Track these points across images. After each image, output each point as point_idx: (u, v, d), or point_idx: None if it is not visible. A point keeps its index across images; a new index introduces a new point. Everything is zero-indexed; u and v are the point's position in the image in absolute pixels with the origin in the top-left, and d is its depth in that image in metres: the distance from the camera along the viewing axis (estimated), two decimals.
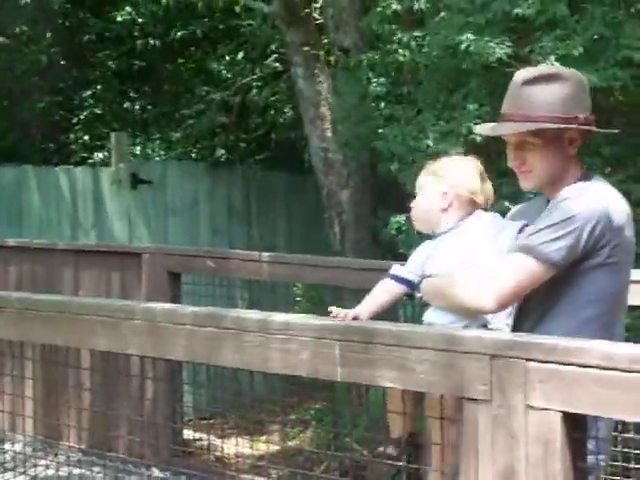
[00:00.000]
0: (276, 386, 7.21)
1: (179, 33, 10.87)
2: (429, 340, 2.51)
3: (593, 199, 2.88)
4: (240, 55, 10.93)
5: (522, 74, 3.04)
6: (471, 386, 2.41)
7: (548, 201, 3.01)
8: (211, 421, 7.12)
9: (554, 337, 2.38)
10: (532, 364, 2.31)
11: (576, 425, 2.32)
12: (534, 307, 2.93)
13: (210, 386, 5.87)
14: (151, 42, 11.06)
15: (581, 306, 2.91)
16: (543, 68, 3.18)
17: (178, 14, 11.13)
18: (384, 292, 3.16)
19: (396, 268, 3.20)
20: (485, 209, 3.27)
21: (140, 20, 11.06)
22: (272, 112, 10.32)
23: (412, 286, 3.16)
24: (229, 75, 10.84)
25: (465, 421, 2.45)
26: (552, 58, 5.87)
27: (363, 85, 7.25)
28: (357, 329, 2.69)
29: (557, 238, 2.80)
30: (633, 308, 5.46)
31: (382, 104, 7.12)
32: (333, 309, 2.93)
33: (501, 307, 2.83)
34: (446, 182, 3.23)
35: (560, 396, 2.27)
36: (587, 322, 2.89)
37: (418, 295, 3.15)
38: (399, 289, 3.18)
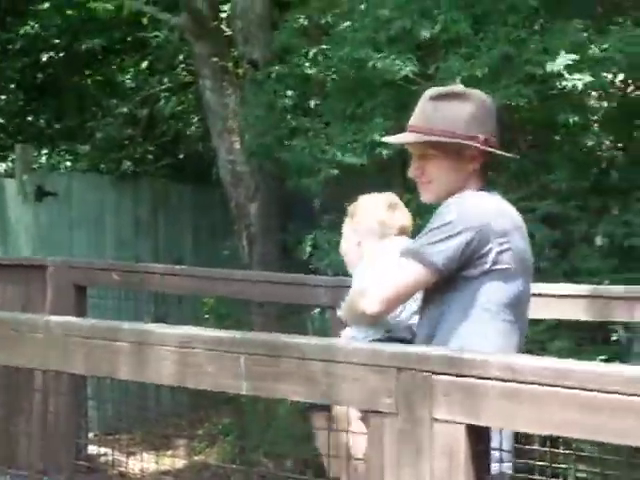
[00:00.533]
0: (183, 400, 7.15)
1: (83, 46, 10.77)
2: (335, 353, 2.51)
3: (473, 206, 2.98)
4: (146, 66, 10.86)
5: (432, 90, 3.18)
6: (377, 399, 2.41)
7: None
8: (116, 436, 7.03)
9: (458, 350, 2.39)
10: (437, 377, 2.32)
11: (480, 438, 2.33)
12: (432, 312, 3.02)
13: (115, 401, 5.80)
14: (55, 55, 10.95)
15: (475, 313, 2.95)
16: (453, 87, 3.31)
17: (82, 26, 11.02)
18: None
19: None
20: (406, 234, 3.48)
21: (44, 33, 10.92)
22: (180, 124, 10.28)
23: None
24: (135, 86, 10.76)
25: (370, 435, 2.46)
26: (457, 79, 5.94)
27: (270, 97, 7.27)
28: (262, 342, 2.67)
29: (437, 242, 2.89)
30: (535, 321, 5.58)
31: (289, 116, 7.15)
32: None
33: (385, 309, 2.98)
34: (355, 225, 3.53)
35: (464, 409, 2.28)
36: (483, 330, 2.93)
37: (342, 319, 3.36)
38: None
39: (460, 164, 3.08)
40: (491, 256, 2.91)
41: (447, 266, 2.89)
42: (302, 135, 7.02)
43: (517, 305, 3.04)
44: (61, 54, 11.07)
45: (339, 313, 3.28)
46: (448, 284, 2.93)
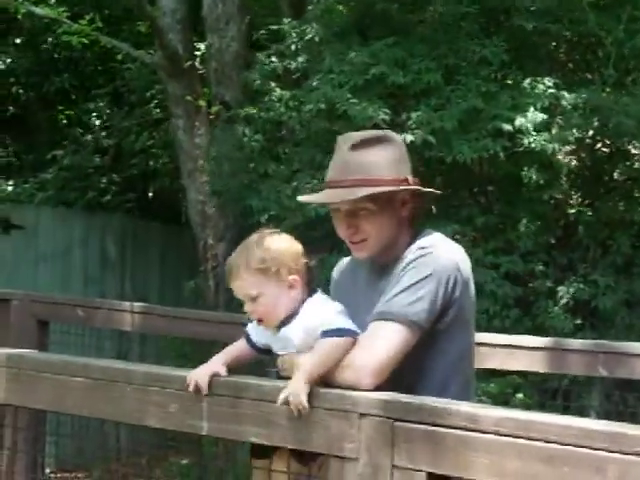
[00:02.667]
0: (143, 439, 7.10)
1: (52, 87, 10.82)
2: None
3: (443, 255, 2.81)
4: (115, 98, 10.89)
5: (347, 139, 2.92)
6: (339, 444, 2.42)
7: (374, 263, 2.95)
8: (73, 474, 6.96)
9: (421, 397, 2.40)
10: (399, 424, 2.33)
11: None
12: (403, 368, 2.75)
13: (74, 437, 5.75)
14: (25, 93, 10.98)
15: (444, 364, 2.89)
16: (367, 132, 3.01)
17: (53, 63, 11.06)
18: (238, 350, 2.91)
19: (251, 328, 2.92)
20: None
21: (15, 69, 10.95)
22: (150, 161, 10.28)
23: (263, 352, 2.93)
24: (104, 117, 10.76)
25: (331, 479, 2.45)
26: (427, 129, 6.00)
27: (239, 139, 7.29)
28: (225, 383, 2.67)
29: (417, 300, 2.72)
30: (501, 373, 5.60)
31: (257, 160, 7.16)
32: (190, 379, 2.69)
33: (380, 382, 2.62)
34: (281, 270, 2.84)
35: (425, 456, 2.29)
36: (449, 382, 2.87)
37: (273, 369, 2.89)
38: (250, 351, 2.93)
39: (393, 212, 2.88)
40: (457, 305, 2.83)
41: (428, 324, 2.74)
42: (269, 180, 7.03)
43: (470, 352, 2.99)
44: (31, 93, 11.08)
45: (283, 373, 2.80)
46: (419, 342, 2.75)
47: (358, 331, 2.71)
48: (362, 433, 2.38)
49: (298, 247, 2.84)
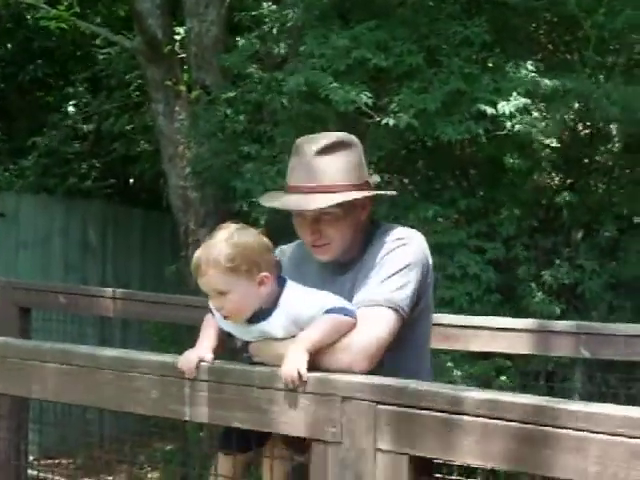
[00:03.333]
0: (126, 425, 7.09)
1: (27, 77, 10.78)
2: (279, 381, 2.50)
3: (418, 245, 2.89)
4: (94, 83, 10.85)
5: (311, 144, 2.92)
6: (321, 428, 2.41)
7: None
8: (57, 460, 6.95)
9: (404, 380, 2.40)
10: (381, 407, 2.32)
11: (423, 468, 2.34)
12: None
13: (57, 424, 5.74)
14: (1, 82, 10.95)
15: (418, 349, 2.97)
16: (329, 136, 2.98)
17: (26, 53, 11.01)
18: (215, 332, 2.88)
19: (218, 317, 2.88)
20: None
21: None
22: (130, 146, 10.22)
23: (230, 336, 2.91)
24: (84, 102, 10.70)
25: (314, 463, 2.45)
26: (411, 112, 5.99)
27: (220, 120, 7.25)
28: (208, 368, 2.66)
29: (401, 287, 2.77)
30: (477, 354, 5.61)
31: (239, 141, 7.12)
32: (177, 362, 2.69)
33: (373, 365, 2.65)
34: (249, 264, 2.79)
35: (408, 440, 2.29)
36: (420, 370, 2.93)
37: (245, 355, 2.86)
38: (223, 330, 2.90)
39: (354, 216, 2.92)
40: (426, 295, 2.93)
41: (409, 310, 2.79)
42: (252, 161, 7.00)
43: (429, 337, 3.07)
44: (5, 83, 11.06)
45: (257, 359, 2.78)
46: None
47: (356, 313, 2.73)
48: (344, 417, 2.38)
49: (267, 243, 2.81)
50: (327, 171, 2.87)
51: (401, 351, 2.83)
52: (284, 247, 3.12)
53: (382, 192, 3.07)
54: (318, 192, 2.85)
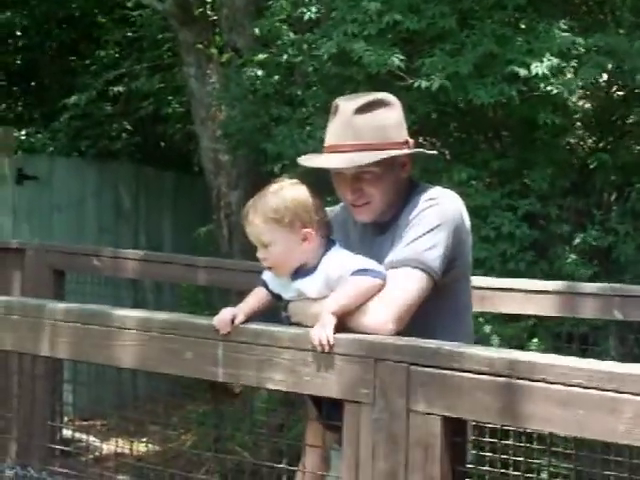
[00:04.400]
0: (159, 386, 7.15)
1: (54, 43, 10.82)
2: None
3: (450, 206, 2.86)
4: (126, 43, 10.85)
5: (349, 103, 2.91)
6: (354, 389, 2.43)
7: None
8: (91, 422, 7.02)
9: (437, 342, 2.40)
10: (415, 368, 2.33)
11: (456, 430, 2.35)
12: (415, 321, 2.74)
13: (91, 386, 5.79)
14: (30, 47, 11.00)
15: (456, 313, 2.96)
16: (368, 95, 2.96)
17: (50, 21, 11.05)
18: (256, 299, 2.90)
19: (266, 274, 2.93)
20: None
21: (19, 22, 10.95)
22: (161, 106, 10.21)
23: (279, 299, 2.92)
24: (114, 63, 10.71)
25: (346, 424, 2.47)
26: (442, 74, 5.95)
27: (252, 82, 7.24)
28: (241, 330, 2.68)
29: (431, 247, 2.74)
30: (515, 317, 5.61)
31: (271, 103, 7.11)
32: (214, 321, 2.71)
33: (400, 328, 2.64)
34: (297, 221, 2.86)
35: (441, 401, 2.30)
36: (462, 332, 2.92)
37: (284, 314, 2.89)
38: (270, 297, 2.93)
39: (394, 175, 2.91)
40: (463, 258, 2.91)
41: (441, 272, 2.76)
42: (284, 124, 6.99)
43: (470, 299, 3.06)
44: (37, 47, 11.12)
45: (294, 319, 2.82)
46: (434, 290, 2.77)
47: (385, 274, 2.72)
48: (378, 378, 2.39)
49: (316, 201, 2.83)
50: (366, 129, 2.85)
51: (438, 314, 2.82)
52: (328, 209, 3.09)
53: (421, 150, 3.06)
54: (357, 150, 2.83)
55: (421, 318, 2.71)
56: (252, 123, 7.29)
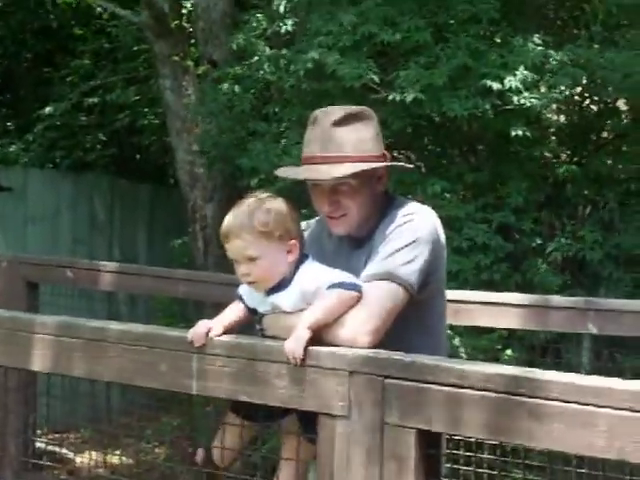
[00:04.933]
0: (133, 399, 7.11)
1: (29, 53, 10.80)
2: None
3: (426, 222, 2.87)
4: (101, 55, 10.83)
5: (328, 115, 2.92)
6: (329, 402, 2.42)
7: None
8: (64, 434, 6.98)
9: (412, 355, 2.40)
10: (389, 381, 2.33)
11: (430, 442, 2.35)
12: (390, 335, 2.73)
13: (65, 398, 5.77)
14: (5, 61, 10.97)
15: (431, 327, 2.97)
16: (346, 108, 2.96)
17: (27, 31, 11.03)
18: (234, 313, 2.89)
19: (242, 289, 2.92)
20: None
21: None
22: (136, 118, 10.19)
23: (255, 313, 2.91)
24: (90, 75, 10.68)
25: (321, 437, 2.46)
26: (417, 87, 5.97)
27: (228, 98, 7.23)
28: (215, 342, 2.67)
29: (407, 262, 2.76)
30: (488, 330, 5.62)
31: (247, 118, 7.10)
32: (189, 334, 2.70)
33: (377, 341, 2.63)
34: (281, 232, 2.85)
35: (416, 414, 2.30)
36: (430, 346, 2.89)
37: (258, 327, 2.88)
38: (246, 311, 2.91)
39: (371, 188, 2.92)
40: (438, 273, 2.91)
41: (417, 286, 2.77)
42: (259, 139, 7.00)
43: (444, 312, 3.07)
44: (8, 61, 11.11)
45: (268, 332, 2.81)
46: (409, 304, 2.78)
47: (362, 287, 2.72)
48: (352, 391, 2.39)
49: (296, 212, 2.84)
50: (343, 142, 2.87)
51: (413, 328, 2.83)
52: (303, 223, 3.09)
53: (400, 163, 3.10)
54: (335, 162, 2.84)
55: (396, 332, 2.71)
56: (228, 138, 7.28)
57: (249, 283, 2.82)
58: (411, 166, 3.33)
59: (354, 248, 2.97)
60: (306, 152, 2.94)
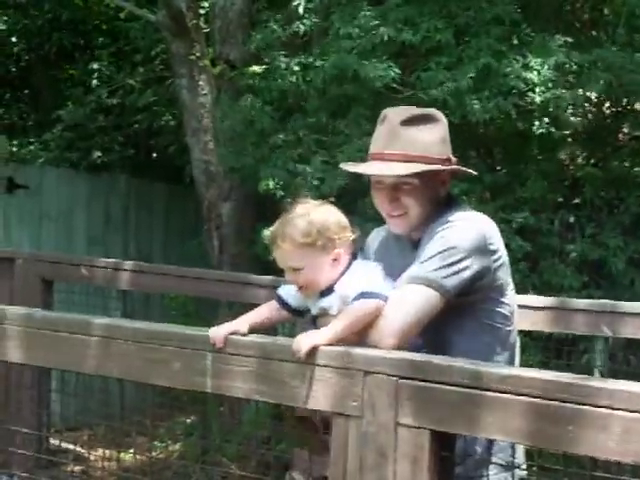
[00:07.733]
0: (147, 397, 7.11)
1: (54, 47, 10.80)
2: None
3: (468, 227, 2.86)
4: (120, 56, 10.84)
5: (398, 114, 2.95)
6: (343, 402, 2.41)
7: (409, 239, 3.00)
8: (77, 432, 6.99)
9: (426, 355, 2.39)
10: (403, 382, 2.32)
11: (444, 443, 2.34)
12: (434, 339, 2.81)
13: (79, 396, 5.77)
14: (27, 53, 10.98)
15: (483, 333, 2.91)
16: (416, 109, 3.02)
17: (52, 23, 11.03)
18: (266, 312, 2.92)
19: (283, 289, 2.95)
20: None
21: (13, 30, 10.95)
22: (153, 119, 10.21)
23: (297, 313, 2.95)
24: (107, 76, 10.70)
25: (334, 437, 2.45)
26: (440, 89, 5.95)
27: (247, 113, 7.11)
28: (230, 341, 2.67)
29: (444, 267, 2.75)
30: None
31: (268, 135, 7.04)
32: (210, 333, 2.69)
33: (403, 343, 2.65)
34: (325, 241, 2.86)
35: (429, 414, 2.29)
36: (492, 347, 2.90)
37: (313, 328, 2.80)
38: (283, 313, 2.95)
39: (433, 190, 2.94)
40: (490, 276, 2.86)
41: (455, 292, 2.76)
42: (278, 149, 6.95)
43: (513, 314, 3.01)
44: (32, 55, 11.08)
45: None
46: (451, 309, 2.77)
47: (386, 295, 2.72)
48: (366, 391, 2.38)
49: (344, 220, 2.85)
50: (410, 141, 2.89)
51: (452, 333, 2.85)
52: (378, 229, 3.18)
53: (463, 168, 3.07)
54: (400, 160, 2.87)
55: (433, 335, 2.75)
56: (252, 156, 7.18)
57: (298, 289, 2.84)
58: (475, 173, 3.31)
59: (412, 250, 2.96)
60: (373, 148, 2.98)
